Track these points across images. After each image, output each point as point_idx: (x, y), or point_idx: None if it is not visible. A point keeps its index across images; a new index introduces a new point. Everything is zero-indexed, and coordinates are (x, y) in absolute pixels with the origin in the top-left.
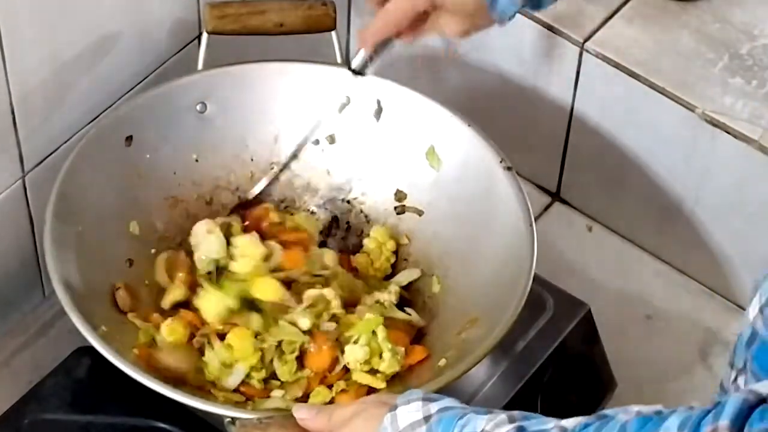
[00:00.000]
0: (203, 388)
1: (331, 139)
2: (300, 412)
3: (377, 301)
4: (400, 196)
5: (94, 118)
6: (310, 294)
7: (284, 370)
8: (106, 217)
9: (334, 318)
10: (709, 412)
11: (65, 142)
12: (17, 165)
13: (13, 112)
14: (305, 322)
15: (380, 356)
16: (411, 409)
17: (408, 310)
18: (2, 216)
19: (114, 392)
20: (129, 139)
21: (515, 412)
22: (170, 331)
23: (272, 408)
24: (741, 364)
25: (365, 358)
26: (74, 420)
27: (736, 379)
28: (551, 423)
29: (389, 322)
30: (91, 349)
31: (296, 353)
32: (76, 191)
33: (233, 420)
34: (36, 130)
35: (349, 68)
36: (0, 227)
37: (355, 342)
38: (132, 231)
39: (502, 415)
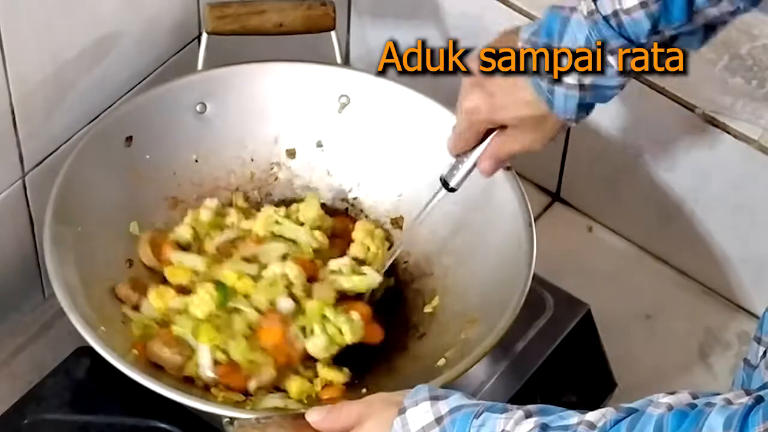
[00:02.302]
0: (187, 380)
1: (330, 140)
2: (311, 416)
3: (333, 270)
4: (397, 221)
5: (94, 118)
6: (272, 270)
7: (236, 349)
8: (106, 217)
9: (292, 296)
10: (752, 408)
11: (65, 142)
12: (17, 165)
13: (13, 112)
14: (260, 300)
15: (341, 332)
16: (420, 411)
17: (364, 268)
18: (2, 216)
19: (114, 392)
20: (129, 139)
21: (531, 406)
22: (157, 295)
23: (270, 408)
24: None
25: (327, 343)
26: (74, 420)
27: (765, 354)
28: (574, 418)
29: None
30: (91, 349)
31: (247, 330)
32: (76, 191)
33: (232, 420)
34: (36, 130)
35: (446, 187)
36: (0, 227)
37: (312, 332)
38: (132, 231)
39: (519, 412)
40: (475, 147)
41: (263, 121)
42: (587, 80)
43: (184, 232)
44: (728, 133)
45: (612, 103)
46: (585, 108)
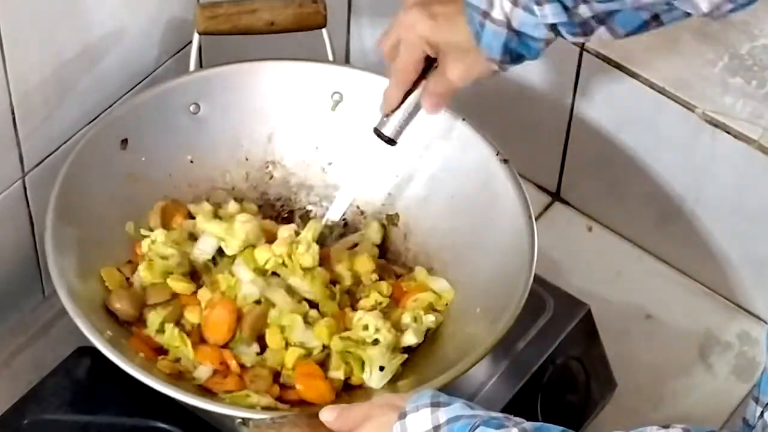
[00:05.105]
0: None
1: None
2: (324, 414)
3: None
4: (392, 218)
5: (95, 118)
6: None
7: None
8: (105, 220)
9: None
10: None
11: (65, 142)
12: (17, 165)
13: (13, 112)
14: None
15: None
16: (420, 417)
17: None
18: (2, 216)
19: (114, 392)
20: (124, 142)
21: (527, 424)
22: (148, 266)
23: (285, 408)
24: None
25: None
26: (74, 420)
27: (762, 414)
28: None
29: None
30: (91, 349)
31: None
32: (75, 196)
33: (244, 421)
34: (36, 130)
35: (381, 137)
36: (0, 227)
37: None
38: (129, 232)
39: (515, 430)
40: (408, 94)
41: (257, 120)
42: (515, 22)
43: (205, 207)
44: (728, 133)
45: (612, 103)
46: (510, 53)
